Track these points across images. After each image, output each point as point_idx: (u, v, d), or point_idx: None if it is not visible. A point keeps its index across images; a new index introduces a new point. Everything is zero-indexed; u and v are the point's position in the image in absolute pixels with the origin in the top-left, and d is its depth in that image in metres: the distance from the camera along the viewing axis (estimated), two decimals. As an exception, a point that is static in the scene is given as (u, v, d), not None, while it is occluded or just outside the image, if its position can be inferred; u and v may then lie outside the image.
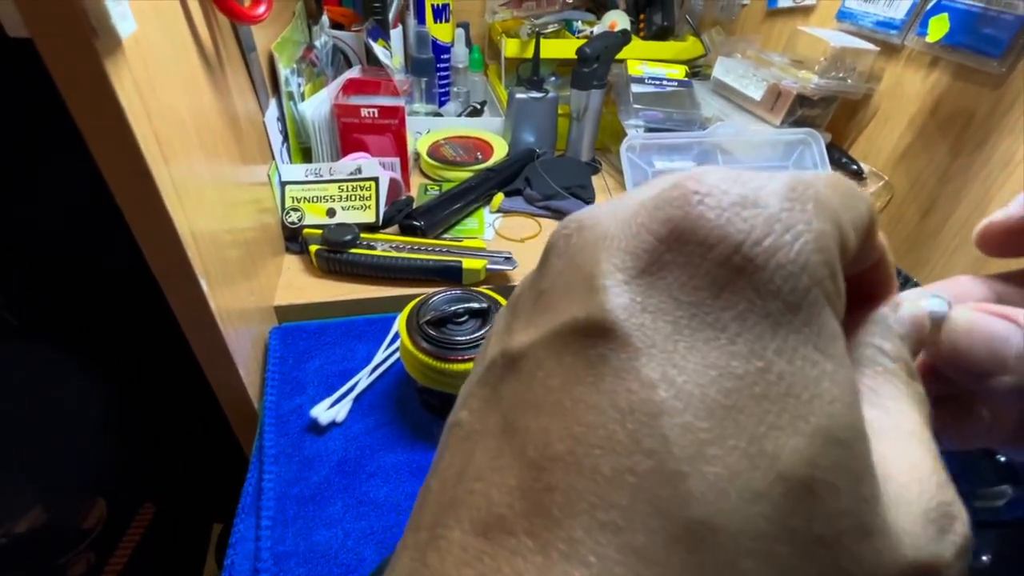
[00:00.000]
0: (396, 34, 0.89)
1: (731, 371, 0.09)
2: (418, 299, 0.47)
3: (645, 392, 0.09)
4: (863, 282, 0.13)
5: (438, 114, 0.96)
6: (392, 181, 0.70)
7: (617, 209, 0.11)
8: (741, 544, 0.08)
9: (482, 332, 0.44)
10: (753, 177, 0.10)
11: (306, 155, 0.75)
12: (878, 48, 0.68)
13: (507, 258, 0.63)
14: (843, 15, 0.74)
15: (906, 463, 0.10)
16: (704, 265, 0.09)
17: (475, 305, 0.46)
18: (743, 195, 0.10)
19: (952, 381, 0.14)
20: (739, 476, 0.08)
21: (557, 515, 0.09)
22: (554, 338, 0.10)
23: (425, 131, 0.90)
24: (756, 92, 0.77)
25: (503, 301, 0.47)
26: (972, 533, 0.11)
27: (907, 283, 0.59)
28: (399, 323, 0.45)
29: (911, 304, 0.13)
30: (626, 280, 0.10)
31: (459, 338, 0.43)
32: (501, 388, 0.11)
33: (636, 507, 0.08)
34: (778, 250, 0.09)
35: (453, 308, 0.45)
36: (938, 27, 0.61)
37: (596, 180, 0.85)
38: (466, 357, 0.42)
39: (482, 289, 0.48)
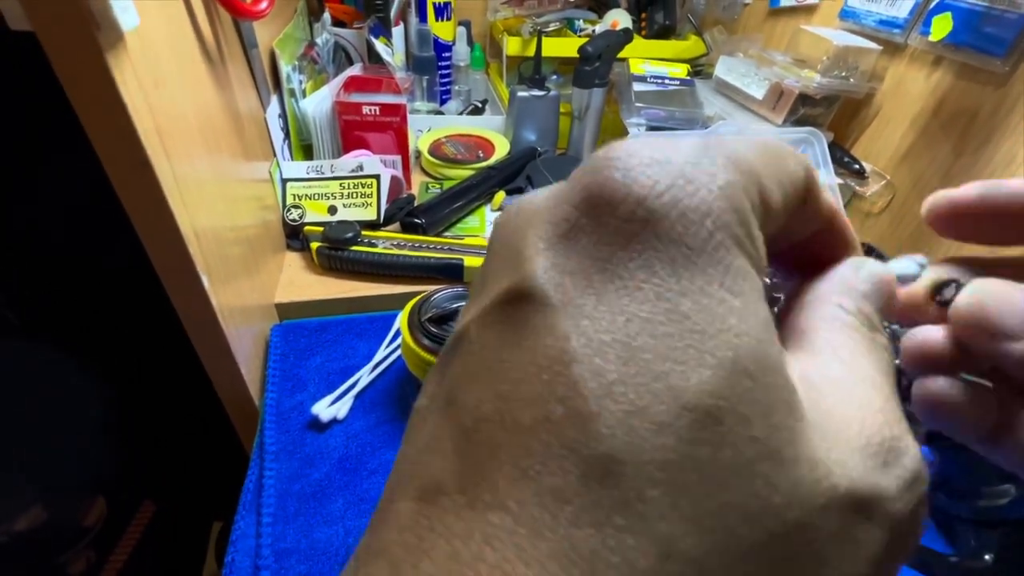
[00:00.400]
0: (398, 32, 0.89)
1: (637, 315, 0.09)
2: (420, 296, 0.47)
3: (559, 344, 0.09)
4: (821, 244, 0.14)
5: (439, 112, 0.96)
6: (393, 179, 0.70)
7: (548, 190, 0.11)
8: (648, 474, 0.08)
9: (484, 329, 0.44)
10: (666, 141, 0.10)
11: (307, 152, 0.75)
12: (881, 47, 0.68)
13: (509, 256, 0.62)
14: (846, 14, 0.74)
15: (853, 403, 0.11)
16: (612, 222, 0.10)
17: (477, 302, 0.46)
18: (651, 156, 0.10)
19: (976, 354, 0.14)
20: (644, 410, 0.08)
21: (484, 469, 0.09)
22: (490, 311, 0.11)
23: (426, 129, 0.90)
24: (758, 91, 0.77)
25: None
26: (925, 469, 0.11)
27: (909, 282, 0.59)
28: (401, 320, 0.45)
29: (876, 264, 0.14)
30: (547, 247, 0.10)
31: (461, 335, 0.43)
32: (446, 369, 0.11)
33: (551, 451, 0.09)
34: (680, 200, 0.10)
35: (455, 305, 0.45)
36: (941, 26, 0.61)
37: (597, 179, 0.85)
38: (468, 354, 0.42)
39: (484, 286, 0.48)
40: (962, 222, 0.16)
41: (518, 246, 0.11)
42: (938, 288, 0.15)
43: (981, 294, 0.13)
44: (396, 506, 0.10)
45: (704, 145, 0.10)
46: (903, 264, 0.15)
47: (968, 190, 0.15)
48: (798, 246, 0.14)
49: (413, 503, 0.10)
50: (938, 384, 0.14)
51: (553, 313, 0.10)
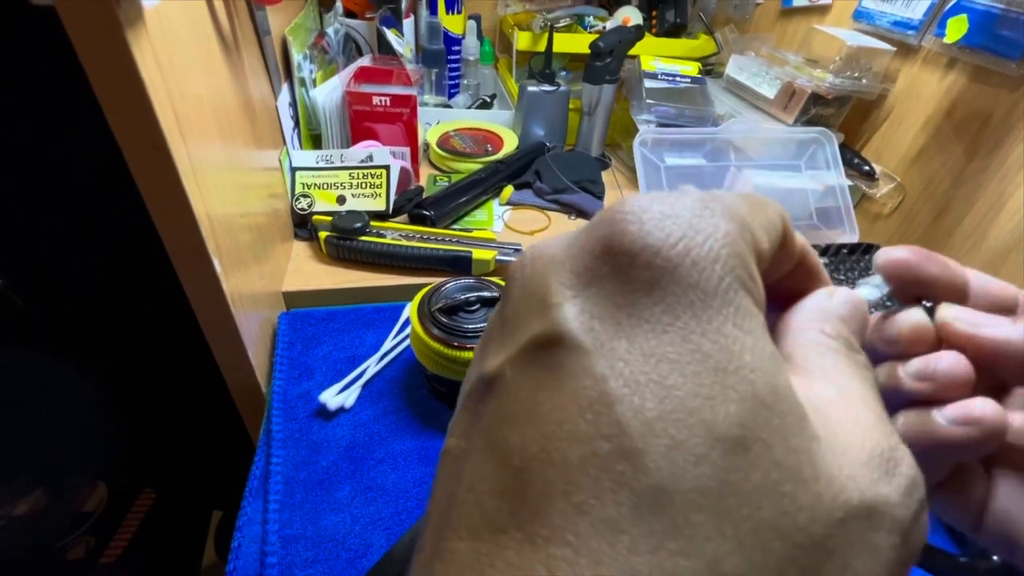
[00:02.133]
0: (408, 24, 0.88)
1: (667, 356, 0.10)
2: (430, 286, 0.46)
3: (599, 386, 0.10)
4: (794, 280, 0.15)
5: (447, 106, 0.96)
6: (402, 170, 0.70)
7: (561, 239, 0.13)
8: (692, 501, 0.09)
9: (494, 321, 0.44)
10: (670, 196, 0.12)
11: (316, 142, 0.75)
12: (894, 48, 0.68)
13: (517, 250, 0.62)
14: (860, 15, 0.73)
15: (851, 421, 0.12)
16: (634, 271, 0.11)
17: (487, 294, 0.46)
18: (661, 210, 0.11)
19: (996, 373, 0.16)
20: (683, 444, 0.09)
21: (537, 506, 0.10)
22: (520, 355, 0.12)
23: (434, 122, 0.89)
24: (769, 90, 0.77)
25: (515, 291, 0.47)
26: (920, 473, 0.12)
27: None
28: (410, 309, 0.45)
29: (847, 291, 0.15)
30: (573, 295, 0.11)
31: (470, 326, 0.43)
32: (480, 409, 0.12)
33: (602, 485, 0.09)
34: (692, 249, 0.11)
35: (465, 296, 0.45)
36: (956, 28, 0.61)
37: (606, 175, 0.85)
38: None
39: (495, 279, 0.48)
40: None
41: (542, 293, 0.12)
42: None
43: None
44: (451, 545, 0.11)
45: (703, 199, 0.12)
46: (867, 290, 0.17)
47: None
48: (776, 283, 0.15)
49: (470, 542, 0.10)
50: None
51: (588, 356, 0.10)
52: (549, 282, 0.12)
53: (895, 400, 0.16)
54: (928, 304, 0.16)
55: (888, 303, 0.17)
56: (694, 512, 0.09)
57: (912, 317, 0.16)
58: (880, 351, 0.17)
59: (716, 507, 0.09)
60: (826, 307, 0.14)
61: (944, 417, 0.15)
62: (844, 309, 0.14)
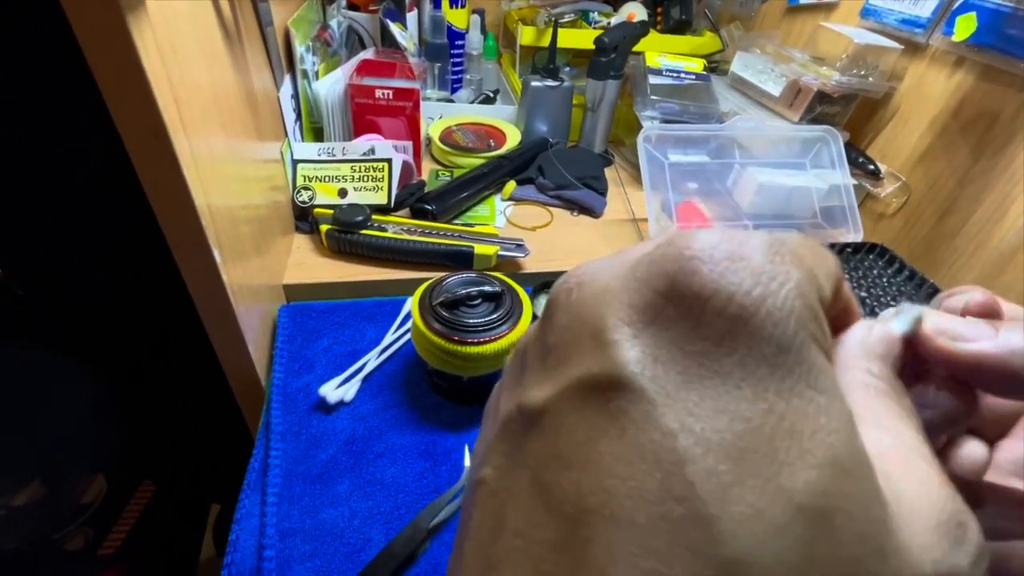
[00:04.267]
0: (411, 18, 0.88)
1: (741, 415, 0.09)
2: (431, 280, 0.46)
3: (667, 441, 0.09)
4: (834, 323, 0.14)
5: (450, 100, 0.95)
6: (404, 164, 0.70)
7: (614, 265, 0.12)
8: (773, 575, 0.09)
9: (495, 316, 0.44)
10: (738, 235, 0.11)
11: (317, 135, 0.75)
12: (902, 46, 0.68)
13: (519, 245, 0.62)
14: (867, 12, 0.73)
15: (914, 479, 0.11)
16: (704, 316, 0.10)
17: (488, 288, 0.45)
18: (731, 250, 0.10)
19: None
20: (763, 513, 0.09)
21: (600, 566, 0.09)
22: (572, 393, 0.11)
23: (437, 116, 0.89)
24: (775, 88, 0.76)
25: (518, 287, 0.47)
26: (984, 539, 0.11)
27: (923, 284, 0.58)
28: (411, 303, 0.45)
29: (883, 327, 0.14)
30: (635, 334, 0.10)
31: (471, 321, 0.43)
32: (524, 444, 0.11)
33: (674, 551, 0.09)
34: (767, 298, 0.10)
35: (466, 291, 0.45)
36: (965, 26, 0.60)
37: (609, 172, 0.85)
38: (478, 340, 0.42)
39: (497, 274, 0.48)
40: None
41: (596, 326, 0.11)
42: None
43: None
44: None
45: (772, 242, 0.11)
46: (900, 323, 0.15)
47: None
48: None
49: None
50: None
51: (654, 407, 0.10)
52: (604, 314, 0.11)
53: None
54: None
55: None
56: None
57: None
58: None
59: None
60: (867, 344, 0.13)
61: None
62: (882, 347, 0.13)
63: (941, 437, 0.16)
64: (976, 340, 0.13)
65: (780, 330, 0.10)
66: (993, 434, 0.16)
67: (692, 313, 0.10)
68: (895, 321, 0.15)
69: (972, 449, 0.15)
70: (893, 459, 0.11)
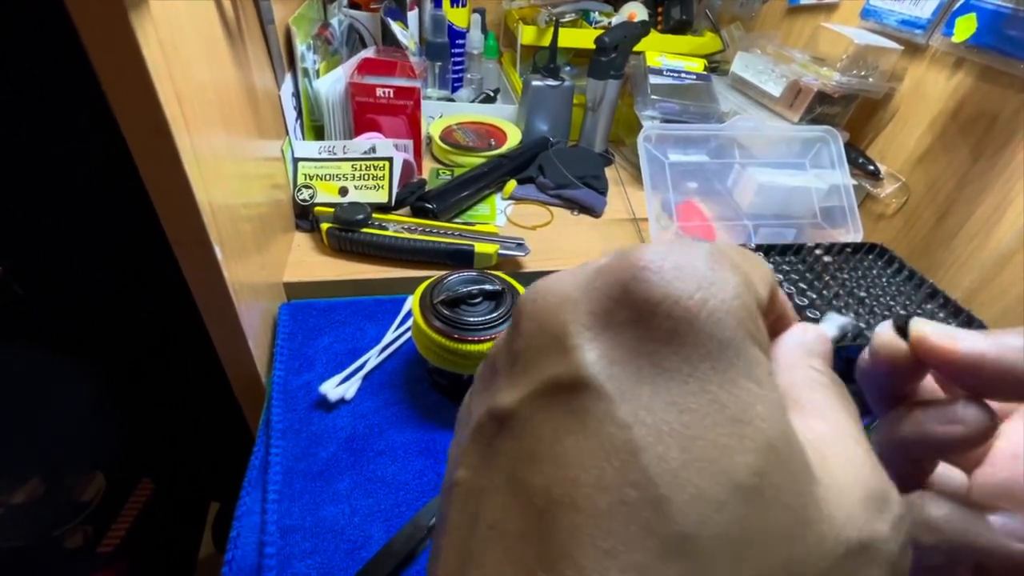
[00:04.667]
0: (411, 17, 0.88)
1: (688, 406, 0.11)
2: (432, 279, 0.46)
3: (623, 433, 0.10)
4: (772, 327, 0.16)
5: (450, 99, 0.96)
6: (405, 163, 0.70)
7: (574, 276, 0.13)
8: (715, 546, 0.10)
9: (496, 315, 0.44)
10: (682, 247, 0.12)
11: (318, 133, 0.75)
12: (902, 47, 0.68)
13: (519, 244, 0.62)
14: (867, 13, 0.73)
15: (845, 460, 0.12)
16: (654, 319, 0.11)
17: (489, 287, 0.45)
18: (677, 261, 0.12)
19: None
20: (706, 492, 0.10)
21: (565, 550, 0.10)
22: (539, 394, 0.12)
23: (437, 115, 0.89)
24: (775, 88, 0.76)
25: (518, 285, 0.47)
26: (906, 507, 0.12)
27: (922, 285, 0.58)
28: (412, 302, 0.45)
29: (817, 327, 0.16)
30: (593, 337, 0.12)
31: (472, 319, 0.43)
32: (496, 444, 0.12)
33: (630, 531, 0.10)
34: (708, 300, 0.11)
35: (467, 289, 0.45)
36: (965, 27, 0.60)
37: (609, 172, 0.85)
38: (479, 338, 0.42)
39: (498, 273, 0.48)
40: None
41: (558, 332, 0.12)
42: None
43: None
44: None
45: (712, 252, 0.12)
46: (829, 327, 0.18)
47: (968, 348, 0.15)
48: None
49: None
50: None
51: (611, 403, 0.11)
52: (565, 320, 0.12)
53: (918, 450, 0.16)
54: (899, 322, 0.16)
55: (842, 340, 0.18)
56: (716, 556, 0.10)
57: (883, 328, 0.16)
58: (866, 379, 0.17)
59: (735, 551, 0.10)
60: (806, 343, 0.15)
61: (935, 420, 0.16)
62: (820, 346, 0.15)
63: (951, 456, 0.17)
64: (969, 340, 0.14)
65: (720, 328, 0.11)
66: (969, 465, 0.18)
67: (643, 317, 0.11)
68: (825, 325, 0.18)
69: (952, 476, 0.17)
70: (829, 444, 0.12)
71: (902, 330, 0.16)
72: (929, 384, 0.18)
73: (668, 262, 0.12)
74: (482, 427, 0.13)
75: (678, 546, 0.10)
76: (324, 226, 0.60)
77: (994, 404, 0.15)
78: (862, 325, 0.53)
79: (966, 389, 0.16)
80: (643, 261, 0.12)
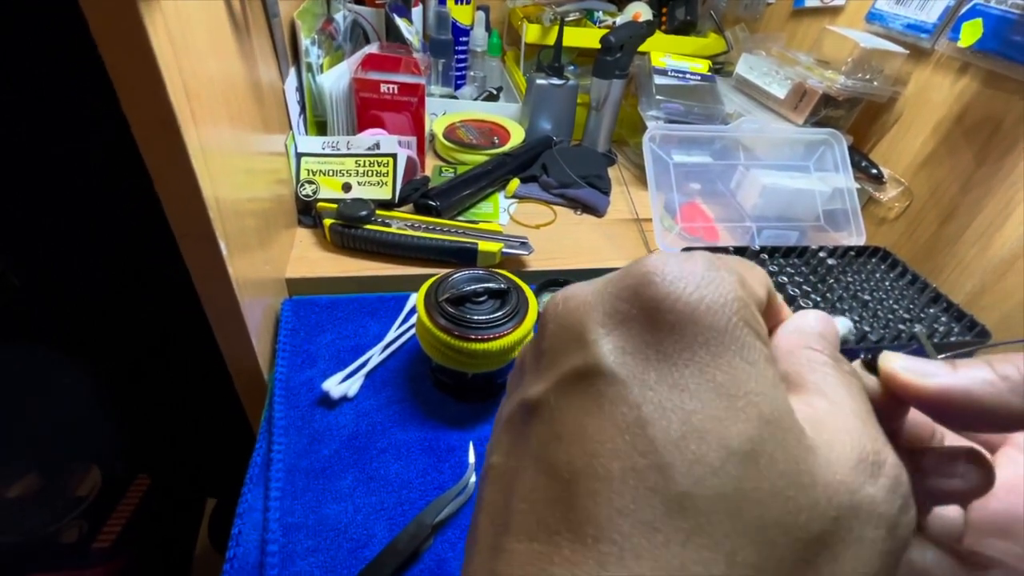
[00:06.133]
0: (416, 13, 0.88)
1: (688, 386, 0.12)
2: (437, 276, 0.46)
3: (633, 412, 0.12)
4: (772, 328, 0.17)
5: (453, 97, 0.95)
6: (409, 159, 0.69)
7: (592, 286, 0.15)
8: (712, 504, 0.11)
9: (500, 313, 0.43)
10: (683, 255, 0.14)
11: (321, 129, 0.74)
12: (907, 51, 0.68)
13: (523, 243, 0.62)
14: (873, 16, 0.73)
15: (842, 430, 0.13)
16: (659, 315, 0.13)
17: (494, 285, 0.45)
18: (679, 266, 0.14)
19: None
20: (704, 457, 0.11)
21: (586, 512, 0.12)
22: (562, 384, 0.14)
23: (440, 113, 0.89)
24: (780, 90, 0.76)
25: (523, 284, 0.47)
26: (904, 470, 0.13)
27: (925, 289, 0.58)
28: (417, 299, 0.44)
29: (817, 311, 0.17)
30: (606, 332, 0.14)
31: (477, 317, 0.43)
32: (526, 431, 0.14)
33: (639, 493, 0.11)
34: (705, 296, 0.13)
35: (472, 287, 0.45)
36: (971, 32, 0.60)
37: (612, 172, 0.85)
38: (483, 337, 0.42)
39: (502, 271, 0.48)
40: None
41: (579, 330, 0.14)
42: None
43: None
44: (511, 546, 0.13)
45: (710, 259, 0.14)
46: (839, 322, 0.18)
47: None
48: None
49: (527, 544, 0.12)
50: None
51: (624, 387, 0.13)
52: (584, 320, 0.14)
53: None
54: (867, 357, 0.16)
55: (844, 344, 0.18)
56: (714, 513, 0.11)
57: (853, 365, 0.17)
58: None
59: (732, 509, 0.11)
60: (806, 327, 0.16)
61: None
62: (820, 327, 0.16)
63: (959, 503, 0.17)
64: (938, 375, 0.15)
65: (716, 319, 0.13)
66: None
67: (650, 314, 0.13)
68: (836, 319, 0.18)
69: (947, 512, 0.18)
70: (827, 417, 0.13)
71: (870, 365, 0.16)
72: (919, 417, 0.17)
73: (671, 268, 0.14)
74: (512, 417, 0.15)
75: (679, 504, 0.11)
76: (327, 222, 0.60)
77: (982, 435, 0.16)
78: (866, 328, 0.53)
79: (940, 423, 0.16)
80: (650, 268, 0.14)
